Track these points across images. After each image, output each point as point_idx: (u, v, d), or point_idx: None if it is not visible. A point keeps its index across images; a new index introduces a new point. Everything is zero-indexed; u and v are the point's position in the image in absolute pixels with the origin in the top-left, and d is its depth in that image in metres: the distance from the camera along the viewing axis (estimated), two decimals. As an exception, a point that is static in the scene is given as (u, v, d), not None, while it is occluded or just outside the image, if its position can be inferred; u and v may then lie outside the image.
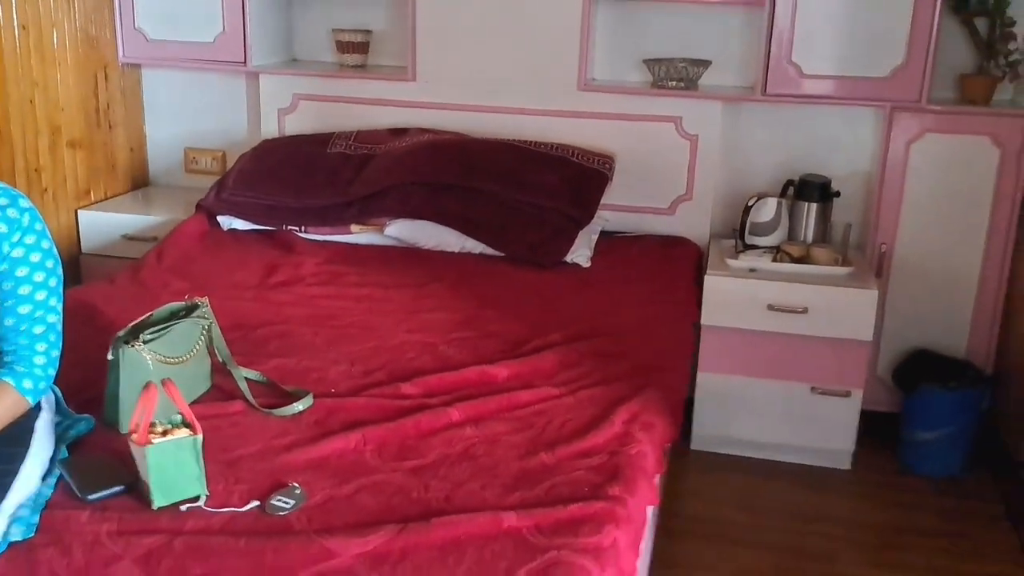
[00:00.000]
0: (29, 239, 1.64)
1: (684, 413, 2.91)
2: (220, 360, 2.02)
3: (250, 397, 1.94)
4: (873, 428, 3.01)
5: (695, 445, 2.99)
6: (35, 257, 1.65)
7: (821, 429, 2.87)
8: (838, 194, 2.96)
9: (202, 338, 1.97)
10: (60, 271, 1.71)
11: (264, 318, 2.39)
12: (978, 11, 2.87)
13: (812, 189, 2.94)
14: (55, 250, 1.71)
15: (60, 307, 1.70)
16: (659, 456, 1.92)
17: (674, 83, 3.05)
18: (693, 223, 3.16)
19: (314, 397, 1.95)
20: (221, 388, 2.00)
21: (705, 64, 3.07)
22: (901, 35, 2.79)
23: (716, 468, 2.92)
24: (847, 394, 2.82)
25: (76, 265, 3.18)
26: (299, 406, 1.91)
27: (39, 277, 1.66)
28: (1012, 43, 2.85)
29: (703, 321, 2.84)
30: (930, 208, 2.94)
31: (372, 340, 2.27)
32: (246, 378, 2.00)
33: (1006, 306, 2.94)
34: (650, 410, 1.98)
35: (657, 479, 1.93)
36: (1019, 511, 2.62)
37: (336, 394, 1.99)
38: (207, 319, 1.99)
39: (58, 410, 1.78)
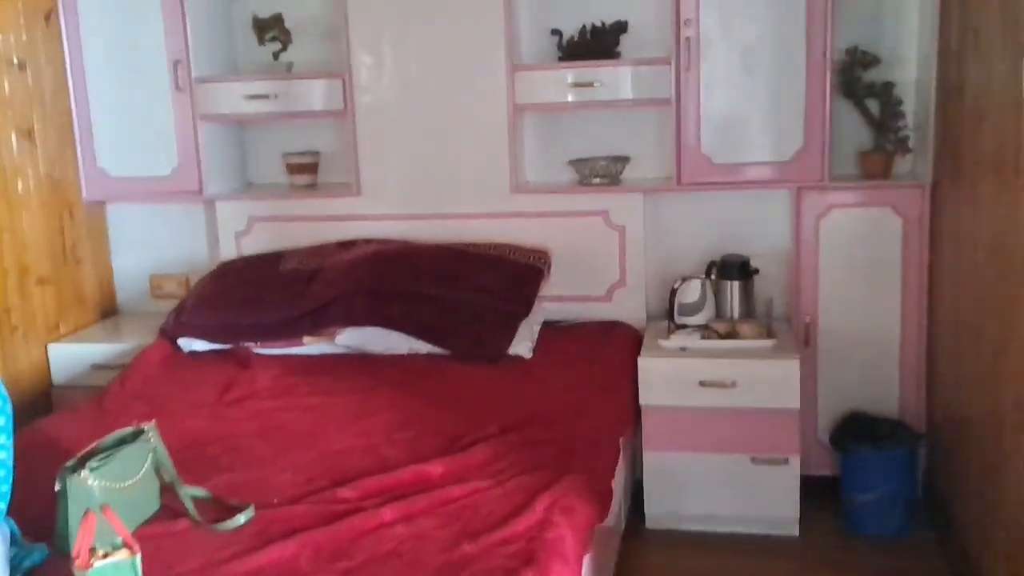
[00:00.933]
0: None
1: (636, 493, 3.09)
2: (167, 481, 2.15)
3: (194, 514, 2.06)
4: (819, 492, 3.12)
5: (650, 524, 3.09)
6: None
7: (765, 498, 2.98)
8: (757, 271, 3.15)
9: (148, 461, 2.11)
10: (9, 408, 1.86)
11: (216, 434, 2.54)
12: (867, 94, 3.11)
13: (732, 268, 3.13)
14: (2, 388, 1.86)
15: (10, 442, 1.84)
16: (582, 538, 2.04)
17: (598, 180, 3.28)
18: (629, 307, 3.35)
19: (256, 508, 2.07)
20: (169, 507, 2.11)
21: (625, 160, 3.30)
22: (798, 121, 3.02)
23: (670, 545, 3.01)
24: (785, 461, 2.94)
25: (48, 399, 3.33)
26: (241, 519, 2.03)
27: None
28: (901, 121, 3.09)
29: (641, 401, 2.98)
30: (846, 278, 3.12)
31: (316, 447, 2.41)
32: (192, 496, 2.13)
33: (929, 365, 3.10)
34: (572, 494, 2.11)
35: (586, 560, 2.05)
36: (960, 568, 2.71)
37: (278, 504, 2.12)
38: (152, 443, 2.13)
39: (13, 542, 1.90)
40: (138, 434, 2.14)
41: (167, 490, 2.14)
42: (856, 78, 3.07)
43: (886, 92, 3.08)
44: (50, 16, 3.34)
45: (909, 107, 3.09)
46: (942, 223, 2.92)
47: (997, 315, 2.37)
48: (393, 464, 2.28)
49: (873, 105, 3.12)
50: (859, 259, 3.10)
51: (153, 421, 2.20)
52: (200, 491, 2.17)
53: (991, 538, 2.44)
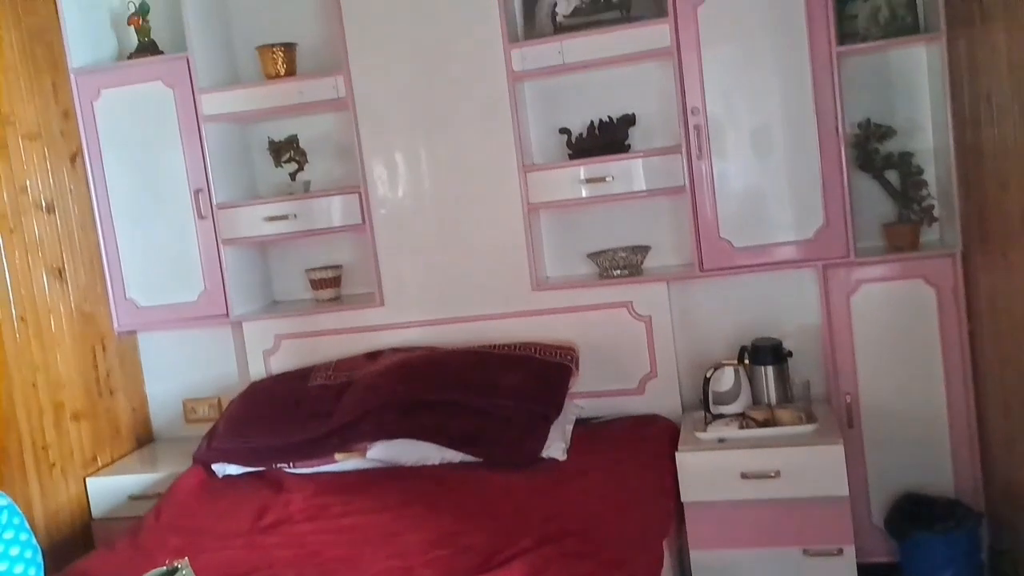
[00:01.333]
0: (7, 535, 1.80)
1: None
2: (200, 620, 2.11)
3: (229, 653, 2.03)
4: (882, 580, 2.99)
5: (703, 624, 2.97)
6: (14, 551, 1.80)
7: (821, 591, 2.85)
8: (791, 354, 3.07)
9: (181, 600, 2.08)
10: (39, 558, 1.85)
11: (252, 565, 2.49)
12: (885, 165, 3.08)
13: (765, 353, 3.05)
14: (33, 540, 1.86)
15: (31, 540, 1.82)
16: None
17: (619, 271, 3.26)
18: (663, 399, 3.28)
19: (290, 644, 2.03)
20: (205, 647, 2.09)
21: (645, 249, 3.28)
22: (816, 198, 2.99)
23: (726, 645, 2.88)
24: (839, 552, 2.81)
25: (88, 532, 3.33)
26: (276, 655, 1.99)
27: (19, 569, 1.80)
28: (924, 190, 3.05)
29: (682, 498, 2.89)
30: (884, 354, 3.04)
31: (352, 572, 2.36)
32: (227, 634, 2.08)
33: (982, 439, 2.97)
34: (613, 610, 2.03)
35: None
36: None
37: (314, 636, 2.07)
38: (185, 580, 2.10)
39: None
40: (172, 573, 2.11)
41: (200, 630, 2.11)
42: (872, 150, 3.05)
43: (905, 162, 3.05)
44: (75, 158, 3.46)
45: (930, 176, 3.06)
46: (977, 291, 2.84)
47: (1044, 386, 2.28)
48: (428, 586, 2.22)
49: (893, 176, 3.08)
50: (895, 333, 3.02)
51: (186, 559, 2.16)
52: (235, 629, 2.13)
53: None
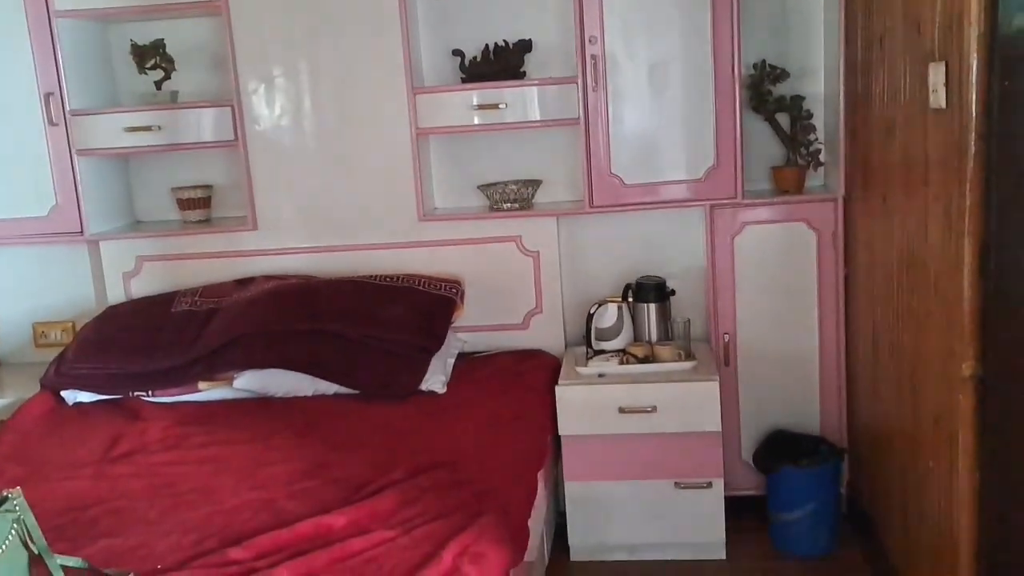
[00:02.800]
0: None
1: (560, 526, 2.97)
2: (35, 551, 1.94)
3: (67, 586, 1.87)
4: (746, 513, 3.06)
5: (574, 556, 2.98)
6: None
7: (691, 523, 2.89)
8: (673, 292, 3.07)
9: (13, 532, 1.90)
10: None
11: (99, 496, 2.32)
12: (777, 108, 3.08)
13: (648, 290, 3.04)
14: None
15: None
16: (496, 585, 1.91)
17: (509, 204, 3.17)
18: (547, 334, 3.23)
19: (136, 576, 1.89)
20: (41, 581, 1.92)
21: (536, 183, 3.20)
22: (709, 139, 2.96)
23: (596, 578, 2.91)
24: (709, 485, 2.86)
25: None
26: (119, 588, 1.85)
27: None
28: (812, 134, 3.07)
29: (560, 431, 2.87)
30: (763, 295, 3.07)
31: (208, 505, 2.22)
32: (64, 566, 1.92)
33: (848, 379, 3.06)
34: (484, 538, 1.98)
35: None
36: (887, 581, 2.66)
37: (161, 570, 1.93)
38: (17, 511, 1.92)
39: None
40: (1, 503, 1.92)
41: (37, 562, 1.93)
42: (765, 92, 3.04)
43: (796, 106, 3.05)
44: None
45: (819, 120, 3.07)
46: (856, 236, 2.89)
47: (912, 329, 2.33)
48: (291, 518, 2.10)
49: (784, 120, 3.09)
50: (775, 275, 3.06)
51: (18, 489, 1.97)
52: (75, 560, 1.96)
53: (915, 554, 2.39)
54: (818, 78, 3.08)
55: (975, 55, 1.82)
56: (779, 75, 3.04)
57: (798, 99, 3.07)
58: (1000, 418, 1.94)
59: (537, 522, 2.50)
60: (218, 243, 3.29)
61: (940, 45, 2.00)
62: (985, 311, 1.93)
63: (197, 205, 3.33)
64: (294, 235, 3.26)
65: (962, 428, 2.01)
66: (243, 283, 3.20)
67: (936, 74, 2.01)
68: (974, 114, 1.85)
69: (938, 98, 2.01)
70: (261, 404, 2.88)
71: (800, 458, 2.92)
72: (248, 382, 2.90)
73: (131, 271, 3.33)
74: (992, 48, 1.79)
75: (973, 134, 1.85)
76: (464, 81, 3.14)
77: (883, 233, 2.55)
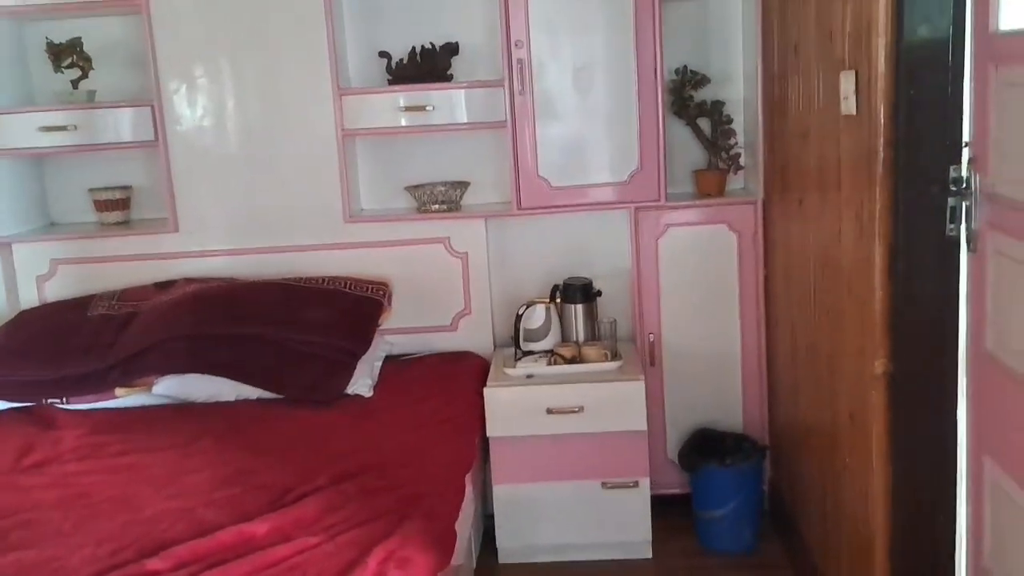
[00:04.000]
0: None
1: (489, 528, 2.98)
2: (-59, 566, 1.86)
3: (-27, 604, 1.80)
4: (672, 511, 3.10)
5: (502, 559, 2.99)
6: None
7: (617, 522, 2.92)
8: (600, 293, 3.11)
9: (-85, 547, 1.82)
10: None
11: (9, 507, 2.23)
12: (698, 113, 3.14)
13: (575, 291, 3.07)
14: None
15: None
16: (421, 590, 1.90)
17: (437, 206, 3.16)
18: (476, 336, 3.24)
19: (48, 591, 1.82)
20: (-55, 598, 1.85)
21: (464, 185, 3.20)
22: (633, 142, 3.00)
23: (524, 580, 2.91)
24: (635, 484, 2.90)
25: None
26: (30, 604, 1.79)
27: None
28: (732, 139, 3.13)
29: (488, 433, 2.87)
30: (686, 296, 3.13)
31: (125, 514, 2.15)
32: (-28, 582, 1.85)
33: (770, 378, 3.13)
34: (410, 543, 1.96)
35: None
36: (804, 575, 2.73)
37: (75, 583, 1.87)
38: (-81, 525, 1.84)
39: None
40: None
41: (-59, 578, 1.86)
42: (687, 97, 3.10)
43: (716, 111, 3.12)
44: None
45: (739, 125, 3.14)
46: (774, 237, 2.96)
47: (828, 328, 2.40)
48: (211, 527, 2.05)
49: (705, 124, 3.15)
50: (698, 276, 3.12)
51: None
52: (-18, 576, 1.89)
53: (833, 549, 2.46)
54: (738, 84, 3.15)
55: (883, 63, 1.88)
56: (700, 80, 3.10)
57: (719, 104, 3.13)
58: (909, 415, 2.01)
59: (465, 525, 2.50)
60: (137, 246, 3.21)
61: (850, 54, 2.07)
62: (894, 310, 1.99)
63: (115, 207, 3.24)
64: (217, 237, 3.20)
65: (875, 424, 2.07)
66: (163, 286, 3.13)
67: (847, 82, 2.07)
68: (882, 121, 1.91)
69: (849, 105, 2.07)
70: (181, 410, 2.81)
71: (724, 456, 2.97)
72: (168, 388, 2.84)
73: (45, 274, 3.22)
74: (899, 57, 1.86)
75: (882, 140, 1.92)
76: (391, 83, 3.13)
77: (800, 235, 2.62)
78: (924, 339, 1.96)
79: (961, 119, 1.81)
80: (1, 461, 2.51)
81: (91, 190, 3.25)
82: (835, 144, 2.22)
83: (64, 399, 2.83)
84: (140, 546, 2.00)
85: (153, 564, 1.91)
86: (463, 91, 3.03)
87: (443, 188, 3.16)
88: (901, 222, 1.92)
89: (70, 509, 2.21)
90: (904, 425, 2.03)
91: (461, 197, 3.22)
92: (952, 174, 1.82)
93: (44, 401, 2.83)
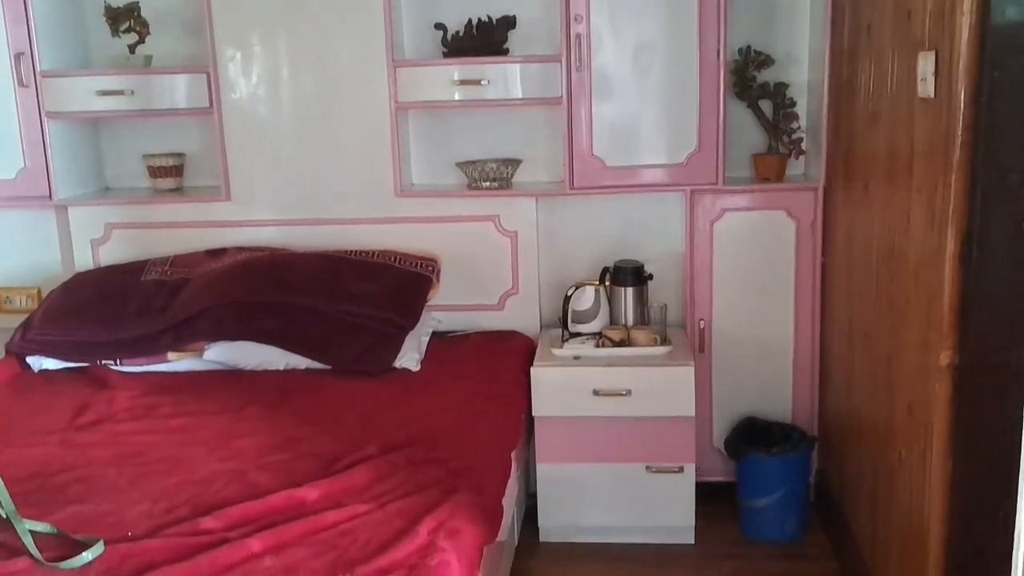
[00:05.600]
0: None
1: (530, 507, 2.97)
2: (3, 515, 1.89)
3: (35, 551, 1.82)
4: (716, 498, 3.07)
5: (543, 537, 2.98)
6: None
7: (661, 507, 2.90)
8: (651, 277, 3.07)
9: (-22, 495, 1.85)
10: None
11: (66, 463, 2.27)
12: (760, 95, 3.07)
13: (626, 274, 3.04)
14: None
15: None
16: (470, 560, 1.89)
17: (488, 183, 3.14)
18: (523, 316, 3.22)
19: (106, 543, 1.84)
20: (6, 545, 1.87)
21: (516, 163, 3.17)
22: (692, 123, 2.95)
23: (565, 559, 2.90)
24: (680, 470, 2.87)
25: None
26: (88, 556, 1.80)
27: None
28: (794, 122, 3.06)
29: (534, 413, 2.86)
30: (740, 282, 3.08)
31: (178, 474, 2.18)
32: (32, 531, 1.87)
33: (822, 369, 3.08)
34: (459, 515, 1.96)
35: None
36: (852, 569, 2.69)
37: (132, 537, 1.89)
38: (-19, 475, 1.87)
39: None
40: (-36, 466, 1.87)
41: (4, 526, 1.88)
42: (749, 79, 3.04)
43: (779, 93, 3.05)
44: None
45: (802, 108, 3.07)
46: (835, 225, 2.90)
47: (889, 318, 2.34)
48: (263, 490, 2.07)
49: (767, 107, 3.09)
50: (753, 263, 3.06)
51: (-17, 451, 1.93)
52: (43, 526, 1.92)
53: (883, 542, 2.41)
54: (802, 66, 3.08)
55: (966, 44, 1.82)
56: (764, 61, 3.04)
57: (782, 86, 3.07)
58: (974, 409, 1.96)
59: (509, 502, 2.49)
60: (190, 213, 3.23)
61: (931, 34, 2.01)
62: (964, 302, 1.94)
63: (169, 173, 3.26)
64: (268, 207, 3.21)
65: (936, 418, 2.02)
66: (215, 254, 3.15)
67: (926, 63, 2.01)
68: (962, 104, 1.85)
69: (927, 87, 2.01)
70: (231, 376, 2.84)
71: (770, 446, 2.94)
72: (218, 354, 2.86)
73: (100, 238, 3.26)
74: (983, 38, 1.79)
75: (961, 124, 1.86)
76: (446, 56, 3.10)
77: (863, 223, 2.56)
78: (993, 332, 1.90)
79: (1046, 104, 1.75)
80: (58, 419, 2.55)
81: (145, 156, 3.27)
82: (908, 128, 2.16)
83: (117, 361, 2.87)
84: (194, 505, 2.02)
85: (207, 523, 1.93)
86: (519, 66, 2.99)
87: (494, 165, 3.14)
88: (977, 211, 1.86)
89: (125, 467, 2.24)
90: (967, 419, 1.98)
91: (512, 175, 3.19)
92: (1034, 162, 1.76)
93: (98, 362, 2.87)
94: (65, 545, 1.87)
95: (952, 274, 1.94)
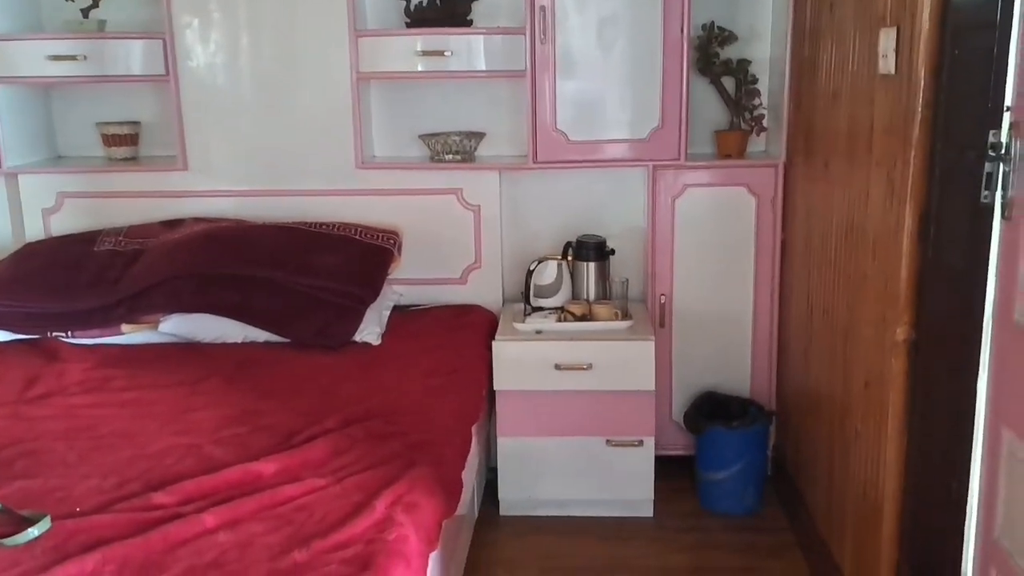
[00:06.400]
0: None
1: (491, 480, 2.97)
2: (-54, 491, 1.84)
3: (-21, 528, 1.78)
4: (674, 472, 3.10)
5: (504, 511, 2.99)
6: None
7: (620, 480, 2.92)
8: (613, 252, 3.07)
9: (-80, 470, 1.80)
10: None
11: (14, 436, 2.22)
12: (723, 71, 3.07)
13: (588, 249, 3.03)
14: None
15: None
16: (428, 535, 1.88)
17: (451, 156, 3.11)
18: (485, 290, 3.20)
19: (53, 519, 1.80)
20: (-49, 522, 1.83)
21: (479, 136, 3.14)
22: (655, 99, 2.94)
23: (524, 532, 2.91)
24: (640, 443, 2.89)
25: None
26: (34, 531, 1.76)
27: None
28: (756, 99, 3.07)
29: (495, 386, 2.85)
30: (701, 257, 3.09)
31: (131, 448, 2.14)
32: (-23, 507, 1.83)
33: (780, 344, 3.11)
34: (418, 489, 1.95)
35: (432, 556, 1.90)
36: (807, 541, 2.73)
37: (80, 513, 1.85)
38: (-76, 448, 1.82)
39: None
40: (-94, 440, 1.82)
41: (-53, 502, 1.84)
42: (713, 55, 3.03)
43: (742, 69, 3.05)
44: None
45: (764, 85, 3.08)
46: (795, 202, 2.92)
47: (847, 294, 2.37)
48: (218, 464, 2.04)
49: (729, 83, 3.08)
50: (714, 238, 3.08)
51: (-75, 424, 1.87)
52: (-13, 502, 1.87)
53: (838, 515, 2.45)
54: (765, 43, 3.08)
55: (927, 21, 1.83)
56: (727, 38, 3.03)
57: (744, 63, 3.07)
58: (929, 384, 1.98)
59: (469, 476, 2.49)
60: (145, 182, 3.16)
61: (893, 10, 2.01)
62: (921, 277, 1.96)
63: (124, 142, 3.18)
64: (226, 177, 3.15)
65: (892, 392, 2.05)
66: (171, 224, 3.09)
67: (887, 39, 2.02)
68: (922, 81, 1.86)
69: (887, 64, 2.02)
70: (187, 349, 2.79)
71: (729, 420, 2.96)
72: (174, 326, 2.81)
73: (51, 207, 3.18)
74: (944, 15, 1.80)
75: (921, 101, 1.87)
76: (409, 26, 3.05)
77: (823, 199, 2.58)
78: (950, 308, 1.92)
79: (1005, 82, 1.76)
80: (6, 391, 2.49)
81: (99, 124, 3.19)
82: (868, 105, 2.17)
83: (69, 333, 2.81)
84: (146, 479, 1.99)
85: (160, 498, 1.90)
86: (483, 37, 2.96)
87: (458, 138, 3.11)
88: (936, 187, 1.88)
89: (75, 440, 2.19)
90: (922, 393, 2.00)
91: (476, 148, 3.16)
92: (991, 139, 1.78)
93: (49, 334, 2.81)
94: (11, 521, 1.82)
95: (910, 250, 1.96)
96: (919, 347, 1.99)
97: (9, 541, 1.74)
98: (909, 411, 2.03)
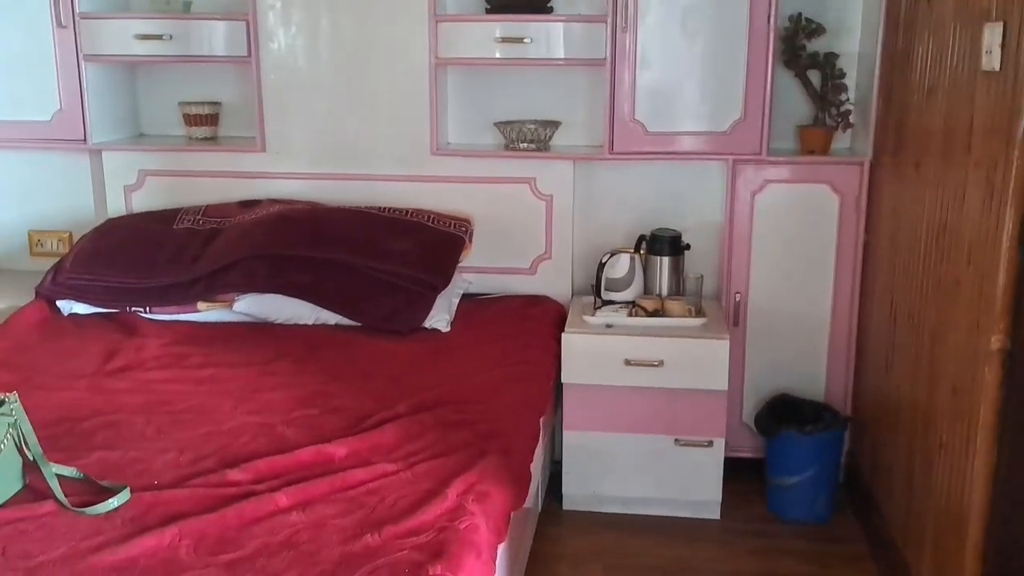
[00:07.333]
0: None
1: (555, 474, 2.95)
2: (30, 457, 1.89)
3: (61, 496, 1.82)
4: (743, 475, 3.03)
5: (567, 505, 2.96)
6: None
7: (687, 480, 2.86)
8: (688, 247, 3.01)
9: (8, 436, 1.85)
10: None
11: (94, 408, 2.27)
12: (809, 65, 2.98)
13: (663, 243, 2.98)
14: None
15: None
16: (498, 526, 1.87)
17: (525, 145, 3.08)
18: (554, 281, 3.17)
19: (132, 491, 1.84)
20: (34, 488, 1.87)
21: (555, 125, 3.11)
22: (738, 91, 2.87)
23: (588, 529, 2.88)
24: (709, 444, 2.83)
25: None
26: (114, 502, 1.80)
27: None
28: (843, 94, 2.98)
29: (563, 379, 2.83)
30: (779, 256, 3.01)
31: (206, 425, 2.17)
32: (59, 475, 1.87)
33: (859, 347, 3.02)
34: (488, 479, 1.93)
35: (500, 548, 1.88)
36: (881, 551, 2.65)
37: (158, 486, 1.88)
38: (13, 416, 1.86)
39: None
40: (-2, 405, 1.87)
41: (31, 469, 1.88)
42: (799, 47, 2.94)
43: (829, 63, 2.96)
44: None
45: (852, 80, 2.98)
46: (881, 201, 2.82)
47: (937, 299, 2.27)
48: (291, 444, 2.06)
49: (815, 77, 2.99)
50: (793, 237, 2.99)
51: (15, 392, 1.92)
52: (69, 470, 1.92)
53: (918, 527, 2.37)
54: (854, 36, 2.98)
55: (1040, 15, 1.74)
56: (815, 30, 2.94)
57: (832, 56, 2.97)
58: (1023, 396, 1.90)
59: (536, 468, 2.47)
60: (224, 162, 3.20)
61: (999, 4, 1.92)
62: (1020, 284, 1.87)
63: (204, 122, 3.23)
64: (302, 160, 3.17)
65: (983, 403, 1.96)
66: (248, 205, 3.12)
67: (992, 34, 1.92)
68: (1032, 78, 1.77)
69: (992, 60, 1.92)
70: (260, 329, 2.82)
71: (802, 424, 2.88)
72: (248, 306, 2.84)
73: (133, 184, 3.24)
74: (1059, 8, 1.71)
75: (1029, 98, 1.78)
76: (488, 12, 3.02)
77: (913, 199, 2.48)
78: (1049, 317, 1.84)
79: (1123, 80, 1.67)
80: (87, 363, 2.55)
81: (181, 103, 3.24)
82: (968, 103, 2.07)
83: (147, 308, 2.86)
84: (221, 456, 2.01)
85: (234, 475, 1.92)
86: (562, 24, 2.92)
87: (533, 127, 3.08)
88: (1041, 188, 1.79)
89: (153, 415, 2.23)
90: (1016, 406, 1.92)
91: (551, 137, 3.13)
92: (1104, 141, 1.68)
93: (128, 308, 2.86)
94: (91, 491, 1.87)
95: (1009, 255, 1.87)
96: (1014, 357, 1.90)
97: (91, 510, 1.78)
98: (1001, 422, 1.94)
